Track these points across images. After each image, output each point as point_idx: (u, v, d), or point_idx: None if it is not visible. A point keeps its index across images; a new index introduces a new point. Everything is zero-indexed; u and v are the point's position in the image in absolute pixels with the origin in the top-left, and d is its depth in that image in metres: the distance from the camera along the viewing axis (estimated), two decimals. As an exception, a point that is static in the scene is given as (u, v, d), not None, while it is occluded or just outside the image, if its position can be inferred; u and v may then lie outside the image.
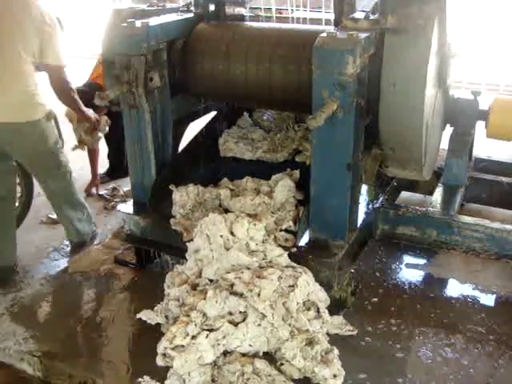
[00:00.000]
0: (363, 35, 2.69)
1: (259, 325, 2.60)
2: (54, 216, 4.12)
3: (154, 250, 3.45)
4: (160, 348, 2.60)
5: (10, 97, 3.24)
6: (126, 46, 3.08)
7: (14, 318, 3.22)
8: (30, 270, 3.69)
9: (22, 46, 3.21)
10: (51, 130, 3.46)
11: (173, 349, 2.56)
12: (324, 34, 2.70)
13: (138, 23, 3.09)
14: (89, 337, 3.05)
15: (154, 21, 3.19)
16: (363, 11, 3.06)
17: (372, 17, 2.95)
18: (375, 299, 3.28)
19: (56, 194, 3.68)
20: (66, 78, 3.48)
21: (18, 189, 3.93)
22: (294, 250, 2.94)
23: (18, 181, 3.93)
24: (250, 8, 3.72)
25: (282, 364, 2.62)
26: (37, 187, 4.00)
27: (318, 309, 2.73)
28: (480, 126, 3.81)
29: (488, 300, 3.34)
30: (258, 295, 2.60)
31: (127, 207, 3.44)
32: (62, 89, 3.49)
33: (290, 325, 2.62)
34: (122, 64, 3.10)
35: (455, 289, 3.44)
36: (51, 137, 3.46)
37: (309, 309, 2.71)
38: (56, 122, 3.64)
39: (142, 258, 3.52)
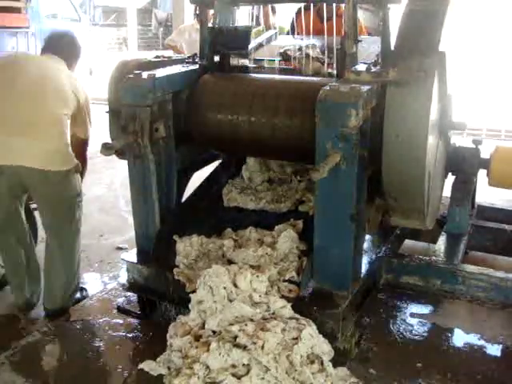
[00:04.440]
0: (365, 88, 2.75)
1: (263, 378, 2.57)
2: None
3: (157, 300, 3.43)
4: (162, 401, 2.57)
5: (45, 144, 3.27)
6: (133, 97, 3.13)
7: (15, 366, 3.18)
8: (31, 318, 3.66)
9: (62, 104, 3.32)
10: (76, 181, 3.47)
11: (175, 402, 2.53)
12: (327, 87, 2.75)
13: (145, 74, 3.15)
14: (90, 388, 3.02)
15: (160, 72, 3.25)
16: (365, 63, 3.13)
17: (374, 69, 3.01)
18: (380, 350, 3.24)
19: (58, 248, 3.59)
20: (85, 152, 3.68)
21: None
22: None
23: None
24: (254, 60, 3.79)
25: (285, 419, 2.57)
26: (40, 232, 4.01)
27: (322, 362, 2.70)
28: (482, 174, 3.83)
29: (494, 350, 3.30)
30: (262, 348, 2.58)
31: (131, 256, 3.44)
32: (78, 151, 3.55)
33: (293, 378, 2.58)
34: (128, 114, 3.14)
35: (461, 339, 3.40)
36: (75, 189, 3.46)
37: (313, 362, 2.68)
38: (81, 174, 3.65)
39: (145, 308, 3.50)
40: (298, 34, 4.16)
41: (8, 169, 3.27)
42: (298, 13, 4.93)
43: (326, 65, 3.51)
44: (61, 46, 3.52)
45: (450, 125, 3.24)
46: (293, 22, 5.25)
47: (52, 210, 3.51)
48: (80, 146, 3.59)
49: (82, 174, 3.68)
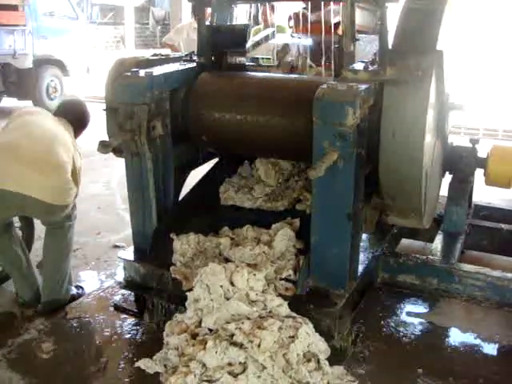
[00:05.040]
0: (363, 86, 2.74)
1: (259, 376, 2.57)
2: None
3: (154, 298, 3.42)
4: (159, 399, 2.57)
5: (51, 180, 3.42)
6: (130, 95, 3.13)
7: (11, 364, 3.17)
8: (27, 315, 3.65)
9: (67, 156, 3.50)
10: (74, 205, 3.66)
11: (172, 400, 2.53)
12: (324, 86, 2.75)
13: (142, 73, 3.15)
14: (87, 386, 3.02)
15: (157, 70, 3.25)
16: (362, 62, 3.13)
17: (371, 68, 3.01)
18: (376, 348, 3.25)
19: (53, 240, 3.68)
20: None
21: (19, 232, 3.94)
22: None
23: (19, 224, 3.96)
24: (252, 58, 3.79)
25: (281, 417, 2.58)
26: (37, 231, 4.02)
27: (319, 360, 2.70)
28: (479, 173, 3.84)
29: (490, 349, 3.31)
30: (258, 346, 2.58)
31: (128, 254, 3.44)
32: None
33: (290, 377, 2.58)
34: (126, 112, 3.14)
35: (457, 338, 3.41)
36: (70, 209, 3.61)
37: (309, 360, 2.68)
38: None
39: (142, 305, 3.49)
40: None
41: (16, 195, 3.38)
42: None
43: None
44: (72, 114, 3.81)
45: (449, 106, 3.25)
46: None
47: (48, 223, 3.68)
48: None
49: None
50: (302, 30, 3.76)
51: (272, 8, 5.76)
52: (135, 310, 3.52)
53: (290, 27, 5.08)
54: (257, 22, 4.73)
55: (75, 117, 3.80)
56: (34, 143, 3.47)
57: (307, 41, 3.91)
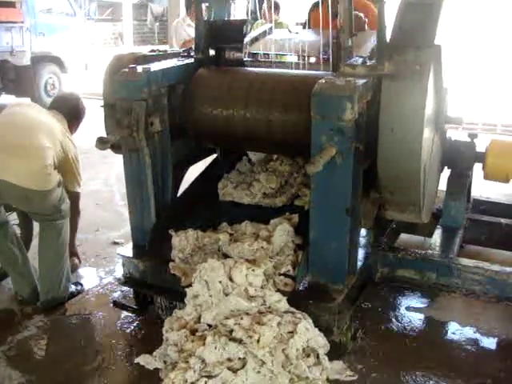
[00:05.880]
0: (361, 81, 2.74)
1: (259, 372, 2.58)
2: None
3: (153, 294, 3.42)
4: (158, 395, 2.58)
5: (27, 164, 3.39)
6: (128, 91, 3.12)
7: (11, 361, 3.18)
8: (27, 312, 3.65)
9: (49, 141, 3.47)
10: (58, 194, 3.54)
11: (171, 396, 2.53)
12: (322, 81, 2.74)
13: (140, 68, 3.14)
14: (86, 382, 3.01)
15: (155, 66, 3.24)
16: (360, 57, 3.12)
17: (369, 63, 3.01)
18: (375, 343, 3.25)
19: (47, 237, 3.64)
20: (78, 204, 4.00)
21: (18, 230, 3.93)
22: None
23: (17, 222, 3.95)
24: (249, 53, 3.78)
25: (281, 412, 2.58)
26: (36, 228, 4.01)
27: (318, 355, 2.70)
28: (477, 167, 3.84)
29: (489, 343, 3.32)
30: (258, 341, 2.58)
31: (126, 250, 3.43)
32: (71, 204, 3.72)
33: (289, 372, 2.59)
34: (123, 108, 3.14)
35: (456, 332, 3.41)
36: (57, 199, 3.54)
37: (308, 355, 2.69)
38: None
39: (141, 302, 3.50)
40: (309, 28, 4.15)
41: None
42: (312, 9, 5.11)
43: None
44: (66, 107, 3.83)
45: (446, 119, 3.25)
46: (309, 17, 5.28)
47: (39, 216, 3.63)
48: (72, 199, 3.76)
49: (76, 224, 4.03)
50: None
51: (275, 5, 5.75)
52: (134, 307, 3.53)
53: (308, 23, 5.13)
54: (255, 18, 4.71)
55: (69, 110, 3.83)
56: (14, 130, 3.49)
57: (307, 36, 3.88)
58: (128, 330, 3.42)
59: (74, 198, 3.86)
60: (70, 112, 3.83)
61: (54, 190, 3.49)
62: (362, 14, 4.19)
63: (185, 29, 6.76)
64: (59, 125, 3.66)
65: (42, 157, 3.41)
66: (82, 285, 3.93)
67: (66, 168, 3.66)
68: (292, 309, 2.83)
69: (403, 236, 4.09)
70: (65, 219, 3.63)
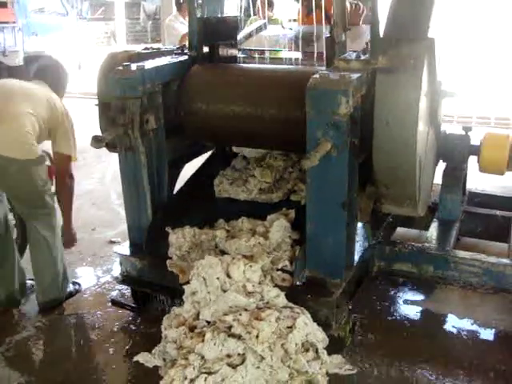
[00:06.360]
0: (355, 75, 2.74)
1: (258, 367, 2.58)
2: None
3: (151, 292, 3.42)
4: (158, 392, 2.58)
5: (10, 132, 3.31)
6: (122, 89, 3.11)
7: (9, 362, 3.17)
8: (25, 312, 3.65)
9: (28, 104, 3.39)
10: (39, 172, 3.43)
11: (171, 393, 2.53)
12: (317, 75, 2.74)
13: (134, 66, 3.13)
14: (85, 381, 3.01)
15: (149, 64, 3.23)
16: (354, 51, 3.12)
17: (363, 57, 3.01)
18: (374, 337, 3.26)
19: (37, 237, 3.55)
20: (69, 168, 3.71)
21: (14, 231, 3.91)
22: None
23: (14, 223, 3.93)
24: (243, 49, 3.78)
25: (281, 406, 2.59)
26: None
27: (317, 349, 2.71)
28: (473, 160, 3.85)
29: (487, 335, 3.34)
30: (257, 337, 2.58)
31: (123, 249, 3.43)
32: (63, 167, 3.64)
33: (288, 366, 2.59)
34: (118, 107, 3.13)
35: (454, 324, 3.43)
36: (38, 179, 3.42)
37: (307, 350, 2.69)
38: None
39: (139, 300, 3.50)
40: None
41: None
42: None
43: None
44: (46, 74, 3.92)
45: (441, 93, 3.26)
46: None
47: (18, 198, 3.53)
48: (65, 162, 3.64)
49: (72, 189, 3.77)
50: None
51: (270, 2, 5.75)
52: (132, 305, 3.53)
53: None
54: (248, 15, 4.71)
55: (49, 76, 3.85)
56: None
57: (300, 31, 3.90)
58: (126, 329, 3.41)
59: (66, 159, 3.65)
60: (53, 78, 3.83)
61: (36, 164, 3.38)
62: (360, 3, 4.20)
63: (178, 26, 6.75)
64: (43, 89, 3.60)
65: (21, 123, 3.31)
66: (79, 284, 3.93)
67: (57, 128, 3.55)
68: (290, 304, 2.83)
69: (400, 230, 4.10)
70: (51, 214, 3.55)
